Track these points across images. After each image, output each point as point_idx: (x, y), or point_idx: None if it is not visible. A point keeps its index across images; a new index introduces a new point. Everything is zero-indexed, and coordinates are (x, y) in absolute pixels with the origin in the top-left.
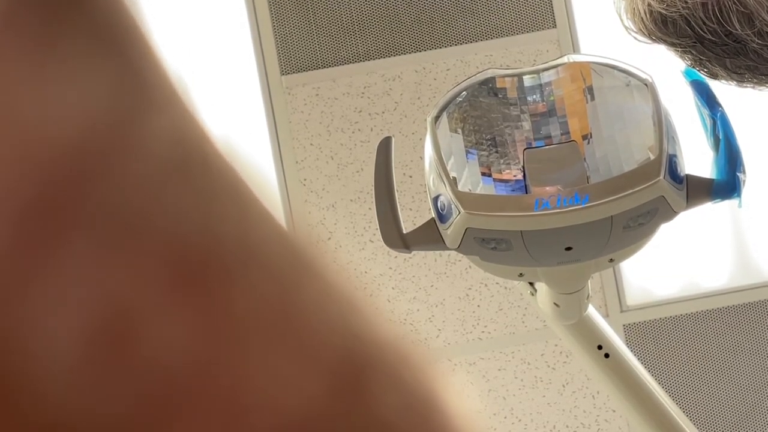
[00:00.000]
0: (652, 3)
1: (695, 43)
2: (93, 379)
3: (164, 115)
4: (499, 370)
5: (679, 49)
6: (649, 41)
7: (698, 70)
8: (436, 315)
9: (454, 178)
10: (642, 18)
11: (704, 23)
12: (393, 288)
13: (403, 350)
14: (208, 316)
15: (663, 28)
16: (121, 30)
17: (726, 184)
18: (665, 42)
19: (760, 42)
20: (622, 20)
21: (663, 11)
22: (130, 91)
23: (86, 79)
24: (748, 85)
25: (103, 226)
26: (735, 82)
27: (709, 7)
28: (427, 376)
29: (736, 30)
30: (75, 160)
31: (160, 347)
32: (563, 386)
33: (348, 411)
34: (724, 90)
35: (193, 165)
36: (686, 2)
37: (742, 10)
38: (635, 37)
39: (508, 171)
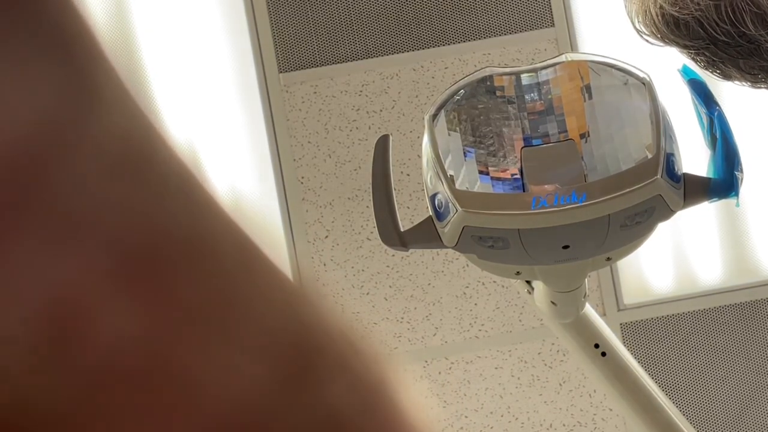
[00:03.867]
0: (664, 5)
1: (708, 44)
2: (44, 365)
3: (112, 114)
4: (496, 368)
5: (692, 51)
6: (662, 44)
7: (711, 72)
8: (434, 313)
9: (452, 177)
10: (654, 21)
11: (717, 25)
12: (390, 286)
13: (351, 338)
14: (154, 306)
15: (675, 30)
16: (71, 33)
17: (723, 183)
18: (678, 44)
19: None
20: (633, 23)
21: (675, 13)
22: (77, 91)
23: (34, 80)
24: (763, 86)
25: (49, 221)
26: (749, 83)
27: (722, 8)
28: (375, 364)
29: (750, 31)
30: (21, 157)
31: (107, 335)
32: (560, 385)
33: (296, 396)
34: (721, 89)
35: (140, 161)
36: (699, 4)
37: (756, 10)
38: (647, 40)
39: (505, 169)
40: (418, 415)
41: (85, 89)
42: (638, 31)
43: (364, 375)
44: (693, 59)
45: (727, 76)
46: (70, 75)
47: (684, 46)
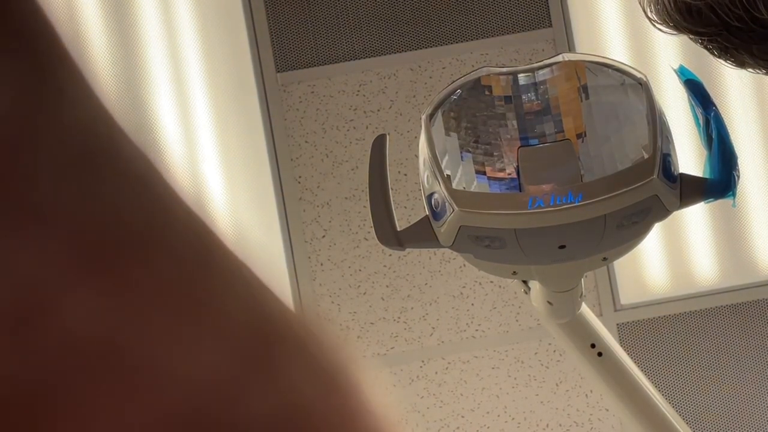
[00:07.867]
0: None
1: (721, 30)
2: (4, 354)
3: (75, 111)
4: (493, 368)
5: (705, 39)
6: (674, 32)
7: (725, 60)
8: (430, 313)
9: (449, 176)
10: (666, 9)
11: (730, 10)
12: (387, 286)
13: (310, 326)
14: (115, 295)
15: (688, 17)
16: (33, 32)
17: (720, 183)
18: (691, 32)
19: None
20: (646, 12)
21: (688, 0)
22: (40, 87)
23: None
24: None
25: (10, 211)
26: (763, 69)
27: None
28: (335, 351)
29: (763, 15)
30: None
31: (68, 324)
32: (556, 385)
33: (256, 382)
34: (719, 90)
35: (102, 156)
36: None
37: None
38: (660, 29)
39: (502, 169)
40: (378, 401)
41: (48, 86)
42: (650, 20)
43: (324, 361)
44: (706, 47)
45: (740, 64)
46: (33, 72)
47: (697, 33)
